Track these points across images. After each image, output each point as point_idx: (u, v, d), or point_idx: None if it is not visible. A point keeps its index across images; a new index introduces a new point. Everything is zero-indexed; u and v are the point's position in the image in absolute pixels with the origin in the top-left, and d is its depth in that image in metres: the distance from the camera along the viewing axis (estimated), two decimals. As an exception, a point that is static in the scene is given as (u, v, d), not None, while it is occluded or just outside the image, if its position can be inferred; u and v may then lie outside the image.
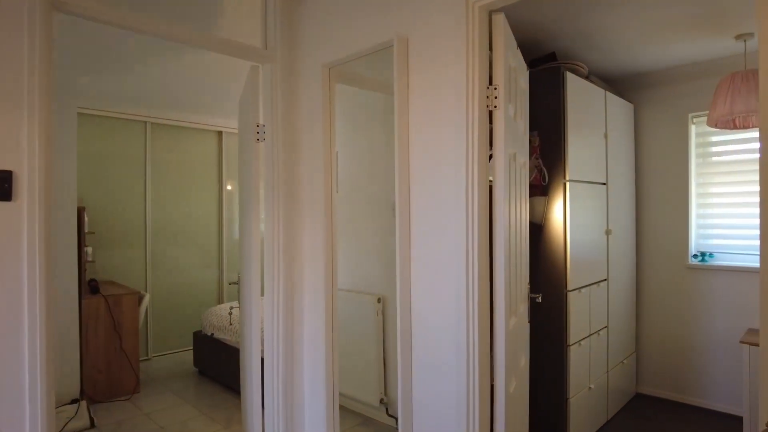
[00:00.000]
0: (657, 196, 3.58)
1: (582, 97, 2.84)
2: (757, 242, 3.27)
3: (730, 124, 2.95)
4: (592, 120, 2.97)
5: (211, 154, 5.13)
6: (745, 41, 2.83)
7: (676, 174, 3.49)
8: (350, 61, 2.10)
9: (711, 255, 3.43)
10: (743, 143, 3.30)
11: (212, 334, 3.96)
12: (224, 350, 3.82)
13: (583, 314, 2.85)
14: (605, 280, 3.12)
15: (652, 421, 3.17)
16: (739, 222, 3.33)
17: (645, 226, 3.63)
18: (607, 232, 3.14)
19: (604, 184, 3.13)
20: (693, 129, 3.48)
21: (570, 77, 2.71)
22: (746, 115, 2.72)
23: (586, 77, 2.96)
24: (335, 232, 2.21)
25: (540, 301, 2.63)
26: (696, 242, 3.50)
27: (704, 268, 3.37)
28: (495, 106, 1.63)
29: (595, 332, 2.99)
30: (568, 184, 2.70)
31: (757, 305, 3.13)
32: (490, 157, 1.73)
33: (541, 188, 2.76)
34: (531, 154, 2.77)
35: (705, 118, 3.44)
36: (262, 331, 2.38)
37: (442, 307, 1.77)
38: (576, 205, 2.78)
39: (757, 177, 3.25)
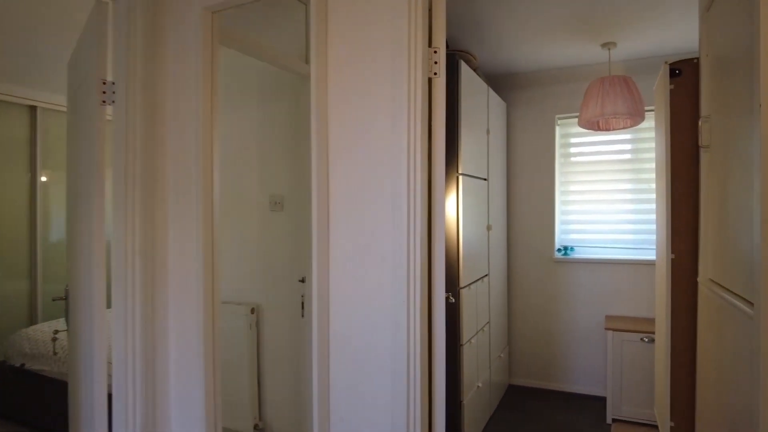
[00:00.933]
0: (526, 193, 3.72)
1: (472, 90, 2.77)
2: (613, 236, 3.58)
3: (595, 125, 3.15)
4: (478, 115, 2.93)
5: (18, 136, 4.04)
6: (609, 49, 3.04)
7: (543, 172, 3.67)
8: (243, 4, 1.63)
9: (572, 249, 3.67)
10: (599, 145, 3.59)
11: (22, 364, 3.07)
12: (41, 386, 2.98)
13: (472, 311, 2.78)
14: (487, 275, 3.12)
15: (528, 410, 3.26)
16: (596, 218, 3.62)
17: (515, 221, 3.75)
18: (489, 228, 3.14)
19: (486, 179, 3.12)
20: (558, 130, 3.69)
21: (464, 67, 2.61)
22: (613, 117, 2.91)
23: (474, 70, 2.91)
24: (216, 230, 1.74)
25: (453, 301, 2.48)
26: (560, 237, 3.72)
27: (567, 261, 3.59)
28: (435, 73, 1.38)
29: (481, 329, 2.96)
30: (461, 178, 2.59)
31: (613, 295, 3.41)
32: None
33: (435, 181, 2.61)
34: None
35: (569, 120, 3.67)
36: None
37: (373, 324, 1.47)
38: (467, 201, 2.70)
39: (612, 176, 3.55)
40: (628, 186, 3.52)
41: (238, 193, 2.73)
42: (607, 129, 3.15)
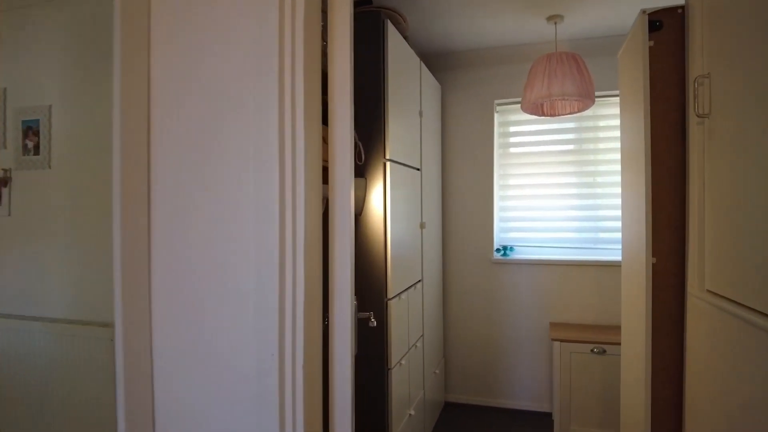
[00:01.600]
0: (462, 187, 3.33)
1: (401, 59, 2.31)
2: (556, 235, 3.27)
3: (539, 110, 2.80)
4: (410, 92, 2.48)
5: None
6: (555, 24, 2.69)
7: (481, 164, 3.29)
8: None
9: (512, 249, 3.32)
10: (541, 134, 3.27)
11: None
12: None
13: (403, 325, 2.32)
14: (420, 281, 2.68)
15: (467, 431, 2.87)
16: (537, 215, 3.29)
17: (451, 218, 3.35)
18: (422, 226, 2.70)
19: (419, 169, 2.68)
20: (496, 117, 3.33)
21: (391, 30, 2.14)
22: (561, 98, 2.56)
23: (405, 38, 2.45)
24: None
25: (374, 324, 1.98)
26: (498, 236, 3.37)
27: (507, 262, 3.24)
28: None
29: (414, 344, 2.51)
30: (388, 165, 2.12)
31: (557, 299, 3.09)
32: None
33: (356, 169, 2.13)
34: (343, 124, 2.12)
35: (509, 106, 3.32)
36: None
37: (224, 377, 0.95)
38: (396, 193, 2.23)
39: (555, 169, 3.23)
40: (573, 180, 3.22)
41: (96, 181, 2.08)
42: (553, 114, 2.81)
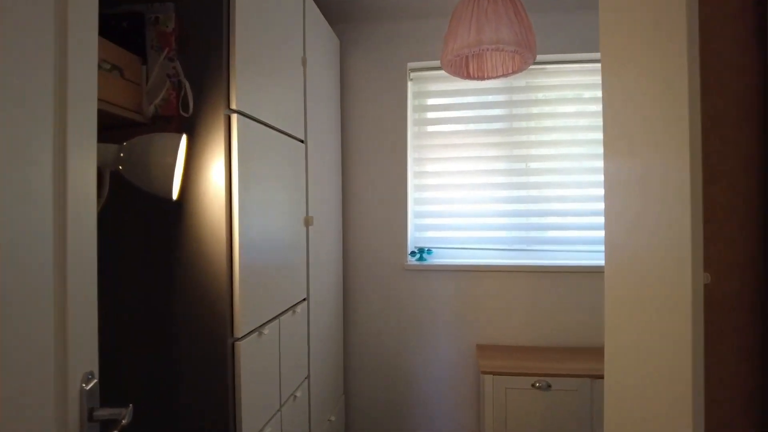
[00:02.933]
0: (369, 172, 2.59)
1: (266, -32, 1.52)
2: (482, 234, 2.63)
3: (464, 70, 2.13)
4: (282, 26, 1.69)
5: None
6: (484, -49, 2.02)
7: (392, 144, 2.58)
8: None
9: (429, 251, 2.64)
10: (466, 108, 2.61)
11: None
12: None
13: (268, 374, 1.52)
14: (305, 300, 1.90)
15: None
16: (458, 209, 2.64)
17: (353, 213, 2.60)
18: (308, 221, 1.92)
19: (303, 141, 1.90)
20: (410, 87, 2.64)
21: None
22: (495, 49, 1.90)
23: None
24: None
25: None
26: (413, 235, 2.67)
27: (423, 268, 2.54)
28: None
29: (291, 396, 1.72)
30: (236, 121, 1.32)
31: (484, 314, 2.44)
32: None
33: (176, 122, 1.29)
34: (159, 49, 1.28)
35: (425, 72, 2.63)
36: None
37: None
38: (257, 168, 1.43)
39: (481, 152, 2.60)
40: (502, 165, 2.60)
41: None
42: (481, 77, 2.15)
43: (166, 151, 1.11)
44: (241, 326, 1.32)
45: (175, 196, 1.17)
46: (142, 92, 1.25)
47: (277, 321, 1.59)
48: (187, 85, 1.26)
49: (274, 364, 1.56)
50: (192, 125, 1.29)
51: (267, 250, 1.51)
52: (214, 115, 1.29)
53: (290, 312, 1.73)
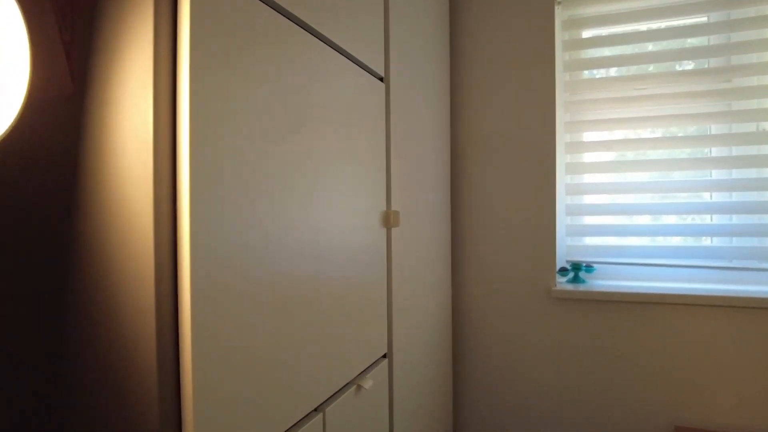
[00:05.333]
0: (494, 146, 1.70)
1: None
2: (673, 242, 1.59)
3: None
4: None
5: None
6: None
7: (531, 102, 1.66)
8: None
9: (589, 268, 1.67)
10: (643, 41, 1.61)
11: None
12: None
13: None
14: (384, 357, 1.07)
15: None
16: (638, 200, 1.64)
17: (467, 208, 1.72)
18: (389, 220, 1.09)
19: (382, 79, 1.08)
20: (558, 13, 1.69)
21: None
22: None
23: None
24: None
25: None
26: (564, 243, 1.71)
27: (582, 296, 1.57)
28: None
29: None
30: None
31: (688, 380, 1.42)
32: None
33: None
34: None
35: (582, -16, 1.67)
36: None
37: None
38: (257, 99, 0.63)
39: (660, 109, 1.58)
40: (716, 129, 1.55)
41: None
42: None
43: None
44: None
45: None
46: None
47: (319, 416, 0.78)
48: None
49: None
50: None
51: (284, 267, 0.71)
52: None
53: (350, 390, 0.91)
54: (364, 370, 1.00)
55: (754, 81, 1.55)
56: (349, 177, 0.93)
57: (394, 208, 1.12)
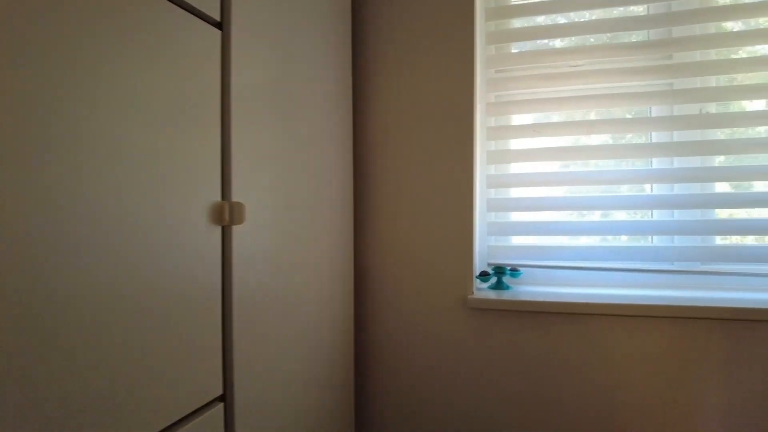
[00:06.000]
0: (401, 124, 1.43)
1: None
2: (609, 243, 1.35)
3: None
4: None
5: None
6: None
7: (447, 81, 1.40)
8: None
9: (514, 271, 1.43)
10: (571, 8, 1.39)
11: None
12: None
13: None
14: (219, 400, 0.79)
15: None
16: (565, 196, 1.42)
17: (371, 201, 1.45)
18: (221, 214, 0.80)
19: (219, 25, 0.79)
20: (480, -32, 1.45)
21: None
22: None
23: None
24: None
25: None
26: (484, 244, 1.47)
27: (505, 305, 1.33)
28: None
29: None
30: None
31: (628, 402, 1.18)
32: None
33: None
34: None
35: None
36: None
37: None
38: None
39: (594, 86, 1.37)
40: (656, 111, 1.35)
41: None
42: None
43: None
44: None
45: None
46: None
47: None
48: None
49: None
50: None
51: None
52: None
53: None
54: (177, 422, 0.72)
55: (697, 56, 1.35)
56: (148, 147, 0.64)
57: (235, 199, 0.83)
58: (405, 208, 1.40)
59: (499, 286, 1.42)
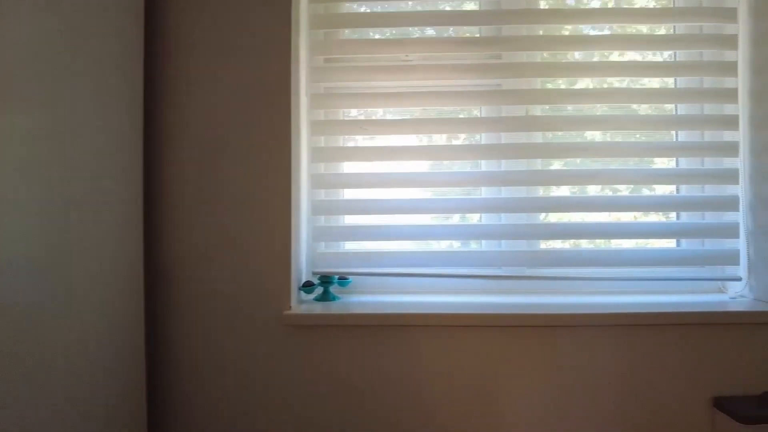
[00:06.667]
0: (203, 126, 1.23)
1: None
2: (440, 246, 1.25)
3: None
4: None
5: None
6: None
7: (260, 70, 1.22)
8: None
9: (343, 280, 1.31)
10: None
11: None
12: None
13: None
14: None
15: None
16: (397, 197, 1.33)
17: (166, 203, 1.24)
18: None
19: None
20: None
21: None
22: None
23: None
24: None
25: None
26: (309, 249, 1.32)
27: (328, 320, 1.19)
28: None
29: None
30: None
31: (470, 415, 1.06)
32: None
33: None
34: None
35: None
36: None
37: None
38: None
39: (424, 82, 1.29)
40: (488, 111, 1.30)
41: None
42: None
43: None
44: None
45: None
46: None
47: None
48: None
49: None
50: None
51: None
52: None
53: None
54: None
55: (523, 57, 1.32)
56: None
57: None
58: (211, 210, 1.21)
59: (325, 297, 1.28)
